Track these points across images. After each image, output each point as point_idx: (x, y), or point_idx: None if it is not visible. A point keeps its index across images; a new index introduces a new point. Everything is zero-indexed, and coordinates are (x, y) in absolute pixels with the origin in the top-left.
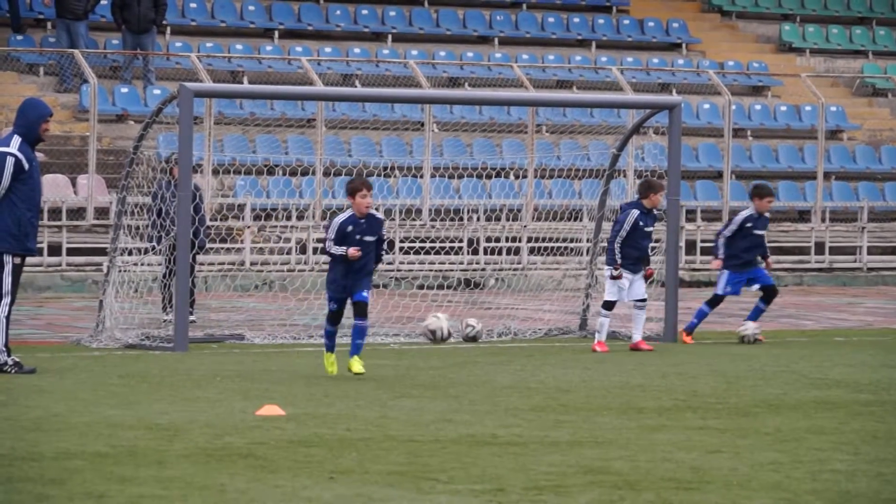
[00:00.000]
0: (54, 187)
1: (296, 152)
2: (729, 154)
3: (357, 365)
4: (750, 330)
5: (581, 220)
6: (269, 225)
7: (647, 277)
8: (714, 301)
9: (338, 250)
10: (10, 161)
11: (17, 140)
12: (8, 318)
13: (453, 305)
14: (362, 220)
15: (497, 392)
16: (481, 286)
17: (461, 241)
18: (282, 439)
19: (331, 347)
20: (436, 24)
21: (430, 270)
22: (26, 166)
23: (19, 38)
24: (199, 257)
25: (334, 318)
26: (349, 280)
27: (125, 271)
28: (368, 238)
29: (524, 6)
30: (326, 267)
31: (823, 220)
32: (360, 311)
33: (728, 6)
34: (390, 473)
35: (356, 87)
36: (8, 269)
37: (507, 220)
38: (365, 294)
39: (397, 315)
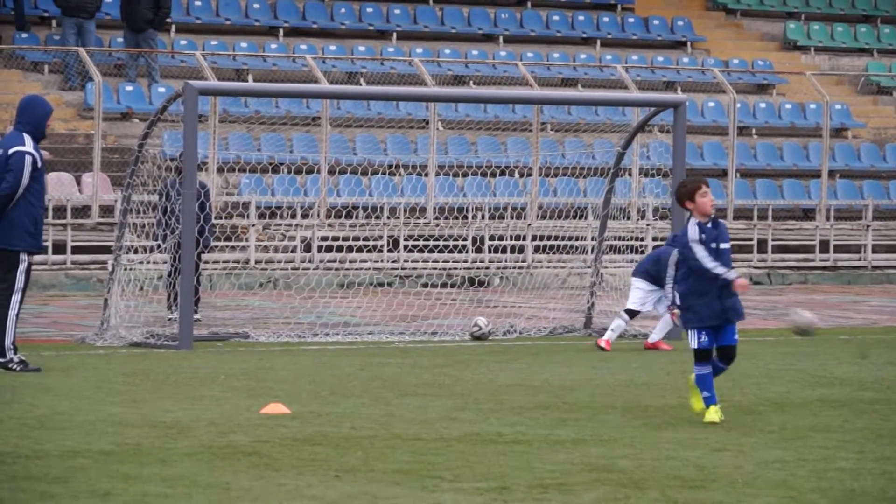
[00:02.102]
0: (59, 185)
1: (301, 150)
2: (734, 152)
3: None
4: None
5: (586, 219)
6: (273, 223)
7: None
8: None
9: (716, 268)
10: (28, 160)
11: (28, 138)
12: (17, 315)
13: (457, 304)
14: (709, 225)
15: (502, 390)
16: (486, 284)
17: (465, 239)
18: (286, 437)
19: (713, 398)
20: (441, 23)
21: (435, 269)
22: (39, 164)
23: (24, 35)
24: (204, 255)
25: (707, 354)
26: (727, 302)
27: (130, 269)
28: (724, 245)
29: (529, 4)
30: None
31: (828, 219)
32: (731, 355)
33: (733, 4)
34: (395, 472)
35: (361, 85)
36: (23, 267)
37: (512, 218)
38: (737, 336)
39: (402, 313)
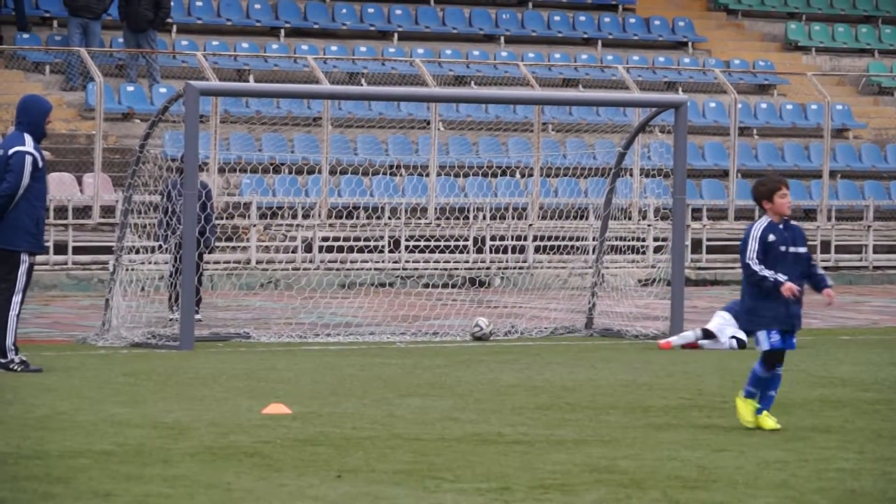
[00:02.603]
0: (60, 186)
1: (302, 151)
2: (735, 153)
3: (770, 421)
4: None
5: (587, 219)
6: (274, 223)
7: None
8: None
9: (771, 276)
10: (28, 160)
11: (29, 138)
12: (18, 316)
13: (459, 304)
14: (781, 226)
15: (503, 391)
16: (487, 285)
17: (467, 239)
18: (288, 438)
19: (755, 394)
20: (442, 23)
21: (436, 269)
22: (40, 164)
23: (25, 36)
24: (206, 256)
25: (778, 357)
26: (793, 309)
27: (132, 270)
28: (795, 249)
29: (530, 4)
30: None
31: (829, 219)
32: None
33: (734, 5)
34: (396, 472)
35: (362, 85)
36: (24, 267)
37: (513, 218)
38: (794, 341)
39: (403, 314)
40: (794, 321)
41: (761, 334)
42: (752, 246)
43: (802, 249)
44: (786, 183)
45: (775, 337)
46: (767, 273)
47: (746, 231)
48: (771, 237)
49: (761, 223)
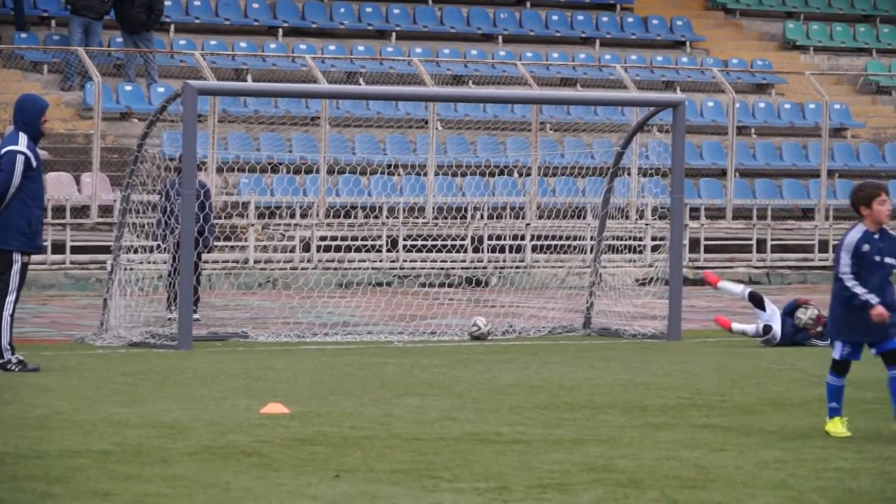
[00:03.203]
0: (58, 185)
1: (300, 150)
2: (733, 152)
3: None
4: None
5: (585, 218)
6: (272, 223)
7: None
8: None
9: (864, 295)
10: (20, 159)
11: (23, 137)
12: (13, 316)
13: (456, 303)
14: (876, 236)
15: (501, 390)
16: (485, 284)
17: (464, 238)
18: (286, 437)
19: (839, 410)
20: (440, 22)
21: (434, 268)
22: (34, 163)
23: (23, 35)
24: (204, 255)
25: (845, 367)
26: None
27: (130, 269)
28: (890, 260)
29: (528, 4)
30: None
31: (827, 218)
32: (895, 358)
33: (732, 4)
34: (395, 471)
35: (360, 84)
36: (17, 267)
37: (511, 217)
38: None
39: (401, 313)
40: (890, 329)
41: (836, 344)
42: (845, 259)
43: (894, 261)
44: (885, 189)
45: (847, 349)
46: (860, 291)
47: (840, 240)
48: (865, 247)
49: (855, 232)
